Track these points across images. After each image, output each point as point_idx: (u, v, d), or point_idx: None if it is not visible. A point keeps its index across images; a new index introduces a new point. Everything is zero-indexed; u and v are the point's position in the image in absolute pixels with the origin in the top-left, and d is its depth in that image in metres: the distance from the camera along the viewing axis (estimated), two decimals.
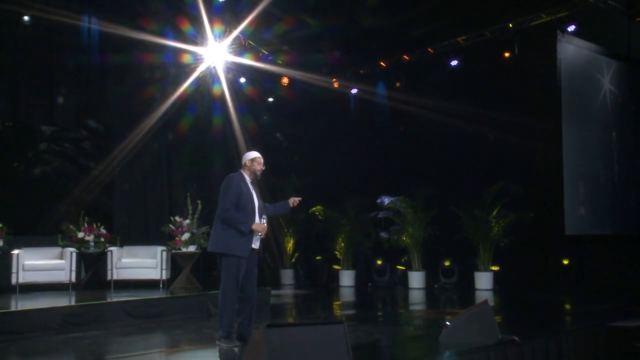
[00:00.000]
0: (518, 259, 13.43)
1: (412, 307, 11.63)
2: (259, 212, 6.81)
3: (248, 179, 6.87)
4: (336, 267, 15.89)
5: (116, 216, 14.51)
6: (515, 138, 13.38)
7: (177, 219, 11.46)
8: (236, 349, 6.47)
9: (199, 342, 7.40)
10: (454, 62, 14.53)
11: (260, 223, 6.74)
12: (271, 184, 15.67)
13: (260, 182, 6.99)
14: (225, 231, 6.65)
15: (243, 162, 6.97)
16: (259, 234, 6.75)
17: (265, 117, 16.98)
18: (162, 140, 15.16)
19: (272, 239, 13.18)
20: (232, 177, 6.82)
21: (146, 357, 6.55)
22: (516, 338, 6.36)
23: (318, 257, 16.56)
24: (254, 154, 6.98)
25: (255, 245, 6.77)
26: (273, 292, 11.61)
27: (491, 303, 11.86)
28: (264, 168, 6.98)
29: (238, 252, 6.60)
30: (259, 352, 4.84)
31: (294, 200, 7.04)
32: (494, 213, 13.45)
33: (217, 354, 6.42)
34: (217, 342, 6.65)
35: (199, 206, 11.46)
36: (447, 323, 6.58)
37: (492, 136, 13.91)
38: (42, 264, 11.31)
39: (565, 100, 13.46)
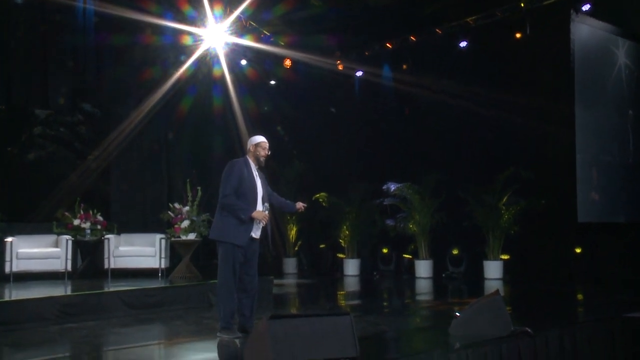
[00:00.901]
0: (529, 248, 13.38)
1: (419, 297, 11.60)
2: (261, 200, 6.74)
3: (253, 165, 6.80)
4: (340, 255, 15.86)
5: (113, 203, 14.48)
6: (526, 122, 13.29)
7: (177, 205, 11.40)
8: (237, 341, 6.42)
9: (199, 334, 7.36)
10: (463, 44, 14.39)
11: (262, 211, 6.67)
12: (272, 170, 15.59)
13: (261, 168, 6.90)
14: (225, 218, 6.59)
15: (247, 147, 6.89)
16: (260, 222, 6.67)
17: (266, 108, 16.88)
18: (161, 124, 15.09)
19: (274, 227, 13.12)
20: (235, 162, 6.74)
21: (144, 350, 6.51)
22: (529, 330, 6.30)
23: (322, 246, 16.53)
24: (259, 139, 6.89)
25: (256, 234, 6.70)
26: (275, 281, 11.57)
27: (501, 293, 11.87)
28: (269, 153, 6.89)
29: (235, 240, 6.53)
30: (261, 344, 4.80)
31: (300, 206, 6.97)
32: (504, 200, 13.39)
33: (217, 346, 6.36)
34: (218, 334, 6.60)
35: (199, 192, 11.40)
36: (457, 314, 6.53)
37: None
38: (36, 252, 11.29)
39: (579, 82, 13.34)
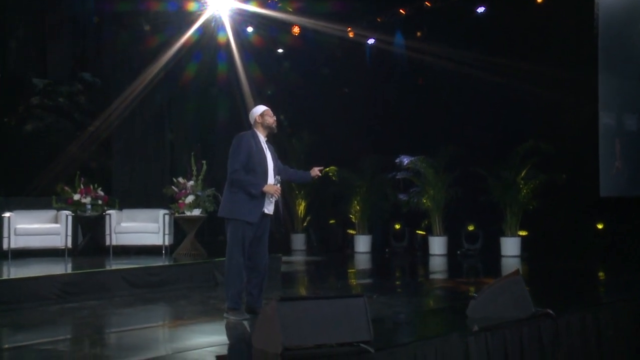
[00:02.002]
0: (548, 224, 13.26)
1: (433, 276, 11.55)
2: (272, 174, 6.65)
3: (262, 138, 6.70)
4: (351, 231, 15.79)
5: (114, 176, 14.46)
6: (547, 91, 13.10)
7: (181, 180, 11.34)
8: (245, 323, 6.37)
9: (204, 315, 7.32)
10: (481, 9, 14.21)
11: (273, 184, 6.58)
12: (280, 143, 15.49)
13: (270, 140, 6.81)
14: (234, 194, 6.50)
15: (252, 121, 6.78)
16: (272, 196, 6.58)
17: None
18: (164, 93, 15.00)
19: (282, 202, 13.10)
20: (243, 136, 6.64)
21: (149, 332, 6.46)
22: (550, 311, 6.21)
23: (331, 221, 16.48)
24: (261, 108, 6.78)
25: (269, 209, 6.62)
26: (284, 258, 11.53)
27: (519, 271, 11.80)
28: (275, 119, 6.78)
29: (246, 217, 6.46)
30: (270, 328, 4.74)
31: (316, 172, 6.88)
32: (523, 174, 13.30)
33: (225, 328, 6.32)
34: (225, 315, 6.55)
35: (204, 166, 11.32)
36: (474, 295, 6.45)
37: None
38: (35, 228, 11.31)
39: (603, 49, 13.13)
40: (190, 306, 7.87)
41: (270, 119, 6.71)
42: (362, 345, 4.76)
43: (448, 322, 6.36)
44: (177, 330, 6.63)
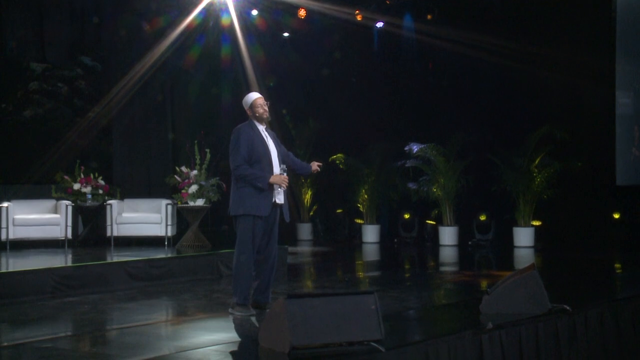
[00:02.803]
0: (562, 213, 13.26)
1: (444, 268, 11.51)
2: (277, 163, 6.59)
3: (261, 127, 6.63)
4: (358, 221, 15.74)
5: (115, 165, 14.44)
6: (562, 77, 13.08)
7: (184, 169, 11.28)
8: (252, 319, 6.34)
9: (210, 310, 7.30)
10: None
11: (279, 174, 6.52)
12: (285, 129, 15.43)
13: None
14: (241, 189, 6.46)
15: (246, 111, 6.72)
16: (280, 187, 6.53)
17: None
18: (166, 78, 14.92)
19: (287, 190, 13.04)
20: (241, 128, 6.57)
21: (151, 329, 6.41)
22: (568, 307, 6.16)
23: (338, 210, 16.41)
24: (251, 98, 6.68)
25: (279, 199, 6.57)
26: (290, 249, 11.49)
27: (531, 261, 11.75)
28: (267, 108, 6.65)
29: (256, 212, 6.42)
30: (278, 326, 4.70)
31: (316, 167, 6.83)
32: (537, 161, 13.28)
33: (232, 324, 6.28)
34: (230, 310, 6.52)
35: (208, 155, 11.26)
36: (488, 290, 6.39)
37: None
38: (34, 218, 11.31)
39: (620, 33, 13.06)
40: (193, 300, 7.85)
41: (261, 109, 6.60)
42: (372, 344, 4.72)
43: (461, 318, 6.31)
44: (180, 326, 6.59)
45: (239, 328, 6.14)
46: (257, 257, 6.53)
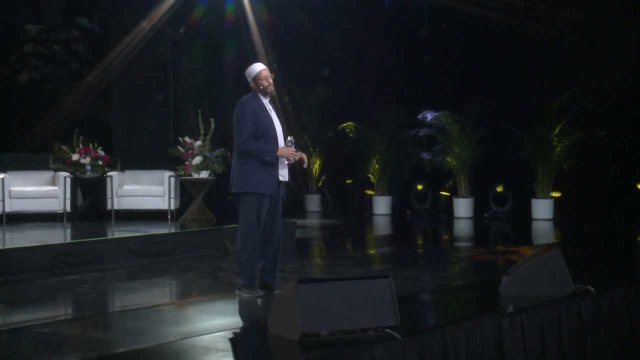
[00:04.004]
0: (584, 184, 13.20)
1: (459, 244, 11.45)
2: (283, 137, 6.52)
3: (264, 99, 6.54)
4: (369, 192, 15.74)
5: (115, 133, 14.39)
6: (584, 40, 12.93)
7: (187, 139, 11.21)
8: (259, 301, 6.29)
9: (215, 291, 7.27)
10: None
11: (287, 147, 6.44)
12: (294, 97, 15.31)
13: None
14: (245, 165, 6.36)
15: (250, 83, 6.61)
16: (289, 160, 6.45)
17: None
18: (167, 41, 14.79)
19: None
20: (245, 101, 6.47)
21: (153, 312, 6.34)
22: (591, 289, 6.08)
23: (348, 181, 16.42)
24: (255, 69, 6.56)
25: (283, 176, 6.51)
26: (298, 222, 11.44)
27: (550, 235, 11.69)
28: (272, 79, 6.56)
29: (261, 189, 6.34)
30: (288, 312, 4.65)
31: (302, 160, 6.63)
32: (557, 130, 13.26)
33: (237, 306, 6.24)
34: (237, 292, 6.47)
35: (212, 125, 11.17)
36: (507, 270, 6.32)
37: None
38: (32, 190, 11.29)
39: None
40: (198, 280, 7.81)
41: (265, 82, 6.50)
42: (387, 330, 4.66)
43: (479, 301, 6.24)
44: (184, 309, 6.53)
45: (247, 312, 6.10)
46: (262, 236, 6.47)
